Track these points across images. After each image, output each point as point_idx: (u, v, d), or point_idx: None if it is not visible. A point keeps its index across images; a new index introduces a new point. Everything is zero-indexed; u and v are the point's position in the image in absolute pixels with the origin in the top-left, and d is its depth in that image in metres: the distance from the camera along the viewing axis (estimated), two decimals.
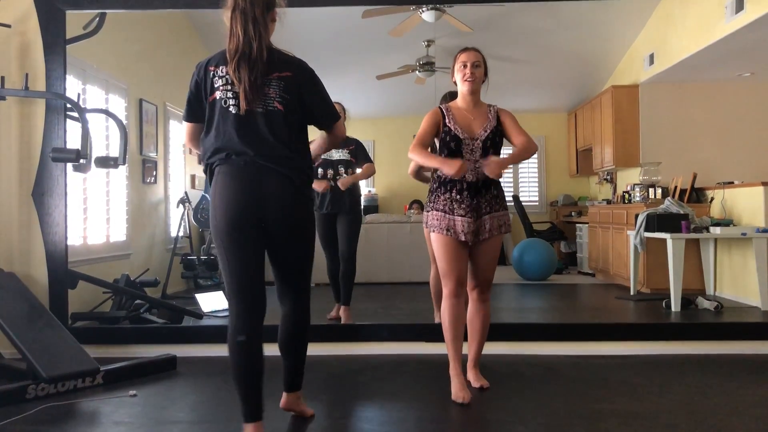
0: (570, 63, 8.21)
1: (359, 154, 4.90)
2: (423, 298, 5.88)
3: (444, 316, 3.19)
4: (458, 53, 3.28)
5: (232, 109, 2.37)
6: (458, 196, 3.15)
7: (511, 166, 3.71)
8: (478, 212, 3.15)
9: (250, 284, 2.40)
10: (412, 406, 3.07)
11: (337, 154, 4.83)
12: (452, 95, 3.59)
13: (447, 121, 3.21)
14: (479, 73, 3.22)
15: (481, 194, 3.16)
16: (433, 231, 3.21)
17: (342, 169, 4.83)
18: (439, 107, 3.30)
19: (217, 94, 2.39)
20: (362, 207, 5.14)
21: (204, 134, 2.46)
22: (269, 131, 2.38)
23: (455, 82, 3.30)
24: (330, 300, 5.06)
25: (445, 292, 3.20)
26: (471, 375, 3.32)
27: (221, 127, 2.39)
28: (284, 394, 2.75)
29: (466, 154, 3.15)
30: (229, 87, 2.38)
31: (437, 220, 3.18)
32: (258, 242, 2.41)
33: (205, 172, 2.51)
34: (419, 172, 4.08)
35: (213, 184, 2.44)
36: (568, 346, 4.00)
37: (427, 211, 3.28)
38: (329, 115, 2.60)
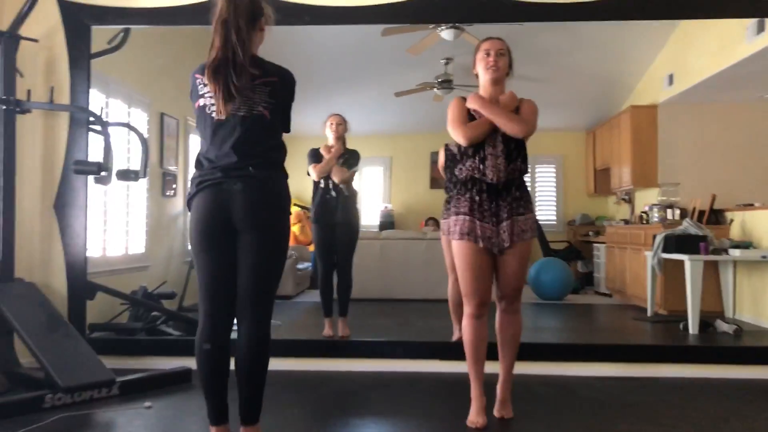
0: (589, 83, 8.21)
1: (349, 161, 4.92)
2: (438, 316, 5.87)
3: (465, 337, 3.01)
4: (480, 42, 3.07)
5: (213, 115, 2.38)
6: (478, 197, 2.93)
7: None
8: (497, 217, 2.92)
9: (217, 291, 2.38)
10: (425, 424, 3.06)
11: (336, 165, 4.86)
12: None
13: (471, 110, 3.01)
14: (503, 62, 3.01)
15: (501, 197, 2.93)
16: (453, 238, 2.99)
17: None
18: (462, 97, 3.08)
19: (201, 101, 2.42)
20: (360, 220, 5.12)
21: (201, 140, 2.48)
22: (246, 137, 2.35)
23: (476, 74, 3.09)
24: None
25: (467, 311, 2.99)
26: (499, 397, 3.09)
27: (207, 133, 2.40)
28: (242, 429, 2.42)
29: (489, 148, 2.94)
30: (211, 94, 2.38)
31: (456, 224, 2.96)
32: (228, 247, 2.36)
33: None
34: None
35: (192, 187, 2.42)
36: (583, 367, 3.97)
37: (445, 218, 3.13)
38: (285, 127, 2.54)
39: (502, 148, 2.94)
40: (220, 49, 2.34)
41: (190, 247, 2.43)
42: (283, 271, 2.48)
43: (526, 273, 3.05)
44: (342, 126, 4.94)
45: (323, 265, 4.94)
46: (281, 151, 2.48)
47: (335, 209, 4.83)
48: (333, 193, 4.85)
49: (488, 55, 3.00)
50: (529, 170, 9.99)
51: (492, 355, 3.11)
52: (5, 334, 3.64)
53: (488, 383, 3.19)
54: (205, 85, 2.39)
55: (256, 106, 2.37)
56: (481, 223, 2.92)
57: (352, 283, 4.93)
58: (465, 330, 3.01)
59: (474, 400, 3.00)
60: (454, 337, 4.48)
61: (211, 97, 2.37)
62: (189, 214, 2.42)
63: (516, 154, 2.97)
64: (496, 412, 3.07)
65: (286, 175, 2.48)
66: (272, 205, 2.39)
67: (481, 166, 2.93)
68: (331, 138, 4.94)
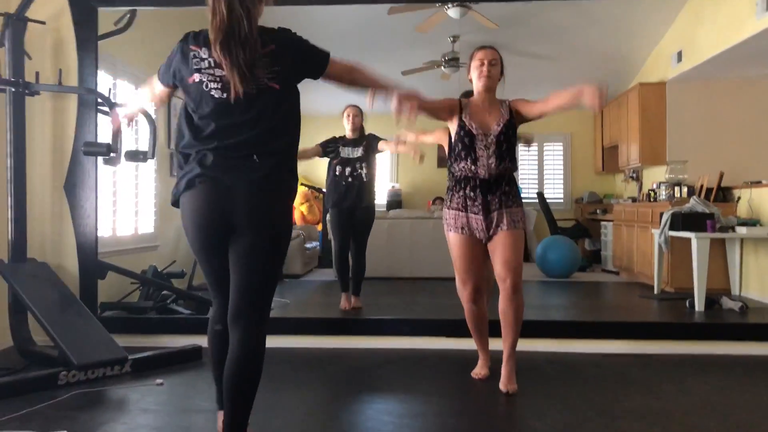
0: (597, 60, 8.15)
1: (373, 143, 5.05)
2: (445, 294, 5.91)
3: (468, 319, 3.38)
4: (475, 51, 3.29)
5: (214, 93, 2.13)
6: (472, 194, 3.20)
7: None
8: (488, 209, 3.17)
9: (224, 282, 2.24)
10: (432, 400, 3.11)
11: (354, 153, 5.03)
12: (468, 95, 3.60)
13: (463, 115, 3.22)
14: (495, 71, 3.23)
15: (492, 191, 3.19)
16: (450, 230, 3.28)
17: (359, 166, 5.00)
18: (459, 99, 3.33)
19: (197, 77, 2.15)
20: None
21: (184, 119, 2.22)
22: (259, 117, 2.13)
23: (471, 80, 3.31)
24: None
25: (464, 297, 3.32)
26: (504, 373, 3.21)
27: (204, 113, 2.15)
28: None
29: (480, 151, 3.17)
30: (212, 71, 2.13)
31: (453, 219, 3.25)
32: (226, 249, 2.19)
33: (181, 155, 2.23)
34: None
35: (184, 179, 2.16)
36: (589, 344, 4.01)
37: (445, 209, 3.33)
38: (323, 55, 2.28)
39: (494, 149, 3.17)
40: (225, 20, 2.09)
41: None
42: (282, 265, 2.33)
43: (520, 257, 3.21)
44: (359, 117, 5.11)
45: (341, 247, 5.15)
46: (293, 134, 2.23)
47: (354, 195, 5.00)
48: (350, 180, 5.00)
49: (482, 64, 3.24)
50: (535, 149, 9.99)
51: (497, 332, 3.32)
52: (19, 313, 3.71)
53: (494, 359, 3.28)
54: (202, 60, 2.14)
55: (260, 80, 2.13)
56: (474, 216, 3.19)
57: (365, 265, 5.21)
58: (466, 314, 3.37)
59: (480, 359, 3.45)
60: None
61: (211, 72, 2.12)
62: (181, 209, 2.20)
63: (506, 154, 3.20)
64: (502, 386, 3.17)
65: (294, 168, 2.25)
66: (277, 204, 2.18)
67: (473, 167, 3.19)
68: (348, 129, 5.11)
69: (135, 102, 2.74)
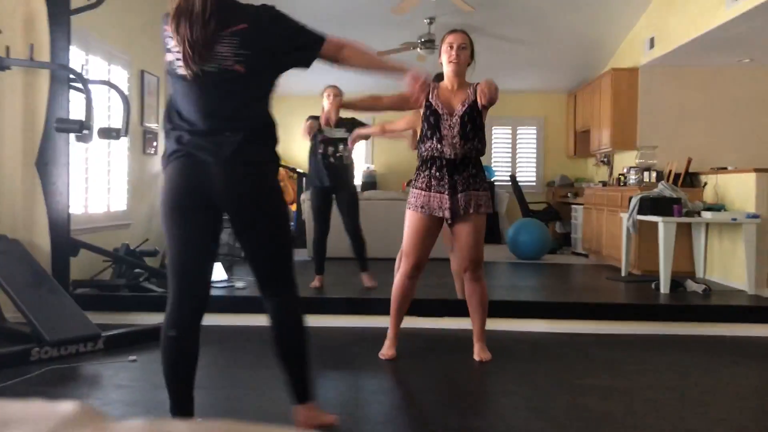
0: (571, 44, 8.23)
1: (355, 127, 5.04)
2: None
3: (394, 291, 3.41)
4: (446, 34, 3.33)
5: (179, 71, 2.07)
6: (437, 173, 3.24)
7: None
8: (453, 189, 3.22)
9: (189, 271, 2.12)
10: (402, 377, 3.19)
11: (337, 133, 5.03)
12: (439, 77, 3.63)
13: (430, 96, 3.27)
14: (465, 55, 3.27)
15: (458, 172, 3.24)
16: (408, 208, 3.34)
17: (341, 147, 4.99)
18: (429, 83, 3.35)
19: (168, 56, 2.10)
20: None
21: (170, 99, 2.19)
22: (226, 96, 2.07)
23: (441, 63, 3.35)
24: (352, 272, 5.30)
25: (402, 270, 3.37)
26: (476, 347, 3.41)
27: (176, 92, 2.12)
28: (297, 408, 2.26)
29: (445, 130, 3.22)
30: (177, 48, 2.05)
31: (414, 198, 3.31)
32: (204, 225, 2.12)
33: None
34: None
35: (163, 157, 2.15)
36: (556, 324, 4.11)
37: (411, 189, 3.38)
38: (313, 42, 2.17)
39: (458, 129, 3.21)
40: None
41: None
42: (290, 231, 2.28)
43: (482, 245, 3.33)
44: (339, 98, 4.97)
45: (319, 229, 5.18)
46: (263, 116, 2.16)
47: (331, 175, 5.01)
48: (331, 160, 5.01)
49: (451, 48, 3.26)
50: (509, 132, 10.01)
51: (460, 313, 3.60)
52: None
53: (457, 339, 3.37)
54: (169, 38, 2.07)
55: (224, 60, 2.03)
56: (439, 194, 3.23)
57: (365, 240, 5.22)
58: (396, 285, 3.40)
59: (388, 339, 3.46)
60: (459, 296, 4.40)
61: (177, 50, 2.05)
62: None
63: (472, 134, 3.25)
64: (476, 356, 3.38)
65: (273, 145, 2.17)
66: (258, 179, 2.12)
67: (439, 146, 3.23)
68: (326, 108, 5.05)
69: None
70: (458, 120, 3.22)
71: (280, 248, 2.21)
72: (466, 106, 3.24)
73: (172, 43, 2.07)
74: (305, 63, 2.20)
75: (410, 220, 3.33)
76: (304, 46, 2.17)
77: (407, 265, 3.34)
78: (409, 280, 3.37)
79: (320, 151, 5.04)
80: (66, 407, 0.44)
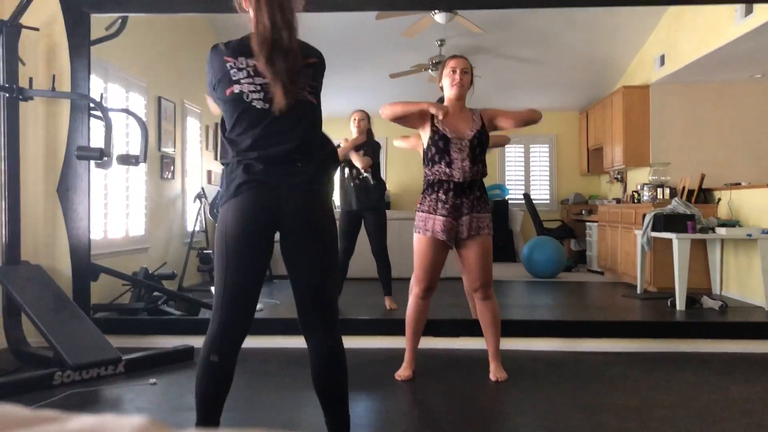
0: (581, 63, 8.29)
1: (368, 152, 5.18)
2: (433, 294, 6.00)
3: (408, 312, 3.47)
4: (447, 59, 3.43)
5: (256, 104, 2.11)
6: (443, 197, 3.30)
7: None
8: (459, 212, 3.29)
9: (243, 300, 2.16)
10: (418, 397, 3.21)
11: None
12: (441, 100, 3.68)
13: (435, 121, 3.33)
14: (466, 79, 3.37)
15: (465, 194, 3.31)
16: (416, 232, 3.40)
17: (364, 169, 5.11)
18: (435, 104, 3.40)
19: (236, 88, 2.12)
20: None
21: (229, 131, 2.19)
22: (298, 125, 2.14)
23: (442, 87, 3.44)
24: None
25: (414, 292, 3.43)
26: (492, 367, 3.45)
27: (244, 124, 2.13)
28: None
29: (454, 153, 3.28)
30: (251, 80, 2.11)
31: (421, 221, 3.37)
32: (266, 254, 2.17)
33: (225, 167, 2.20)
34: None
35: (231, 187, 2.13)
36: (571, 343, 4.12)
37: (417, 212, 3.43)
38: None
39: (467, 152, 3.28)
40: (269, 29, 2.08)
41: (214, 252, 2.16)
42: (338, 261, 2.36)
43: (490, 266, 3.39)
44: (364, 121, 5.25)
45: (343, 249, 5.22)
46: (329, 143, 2.28)
47: (358, 197, 5.14)
48: (357, 181, 5.14)
49: (454, 72, 3.36)
50: (522, 150, 10.08)
51: (475, 333, 3.62)
52: (14, 315, 3.78)
53: (481, 358, 3.40)
54: (240, 70, 2.11)
55: (301, 91, 2.15)
56: (444, 218, 3.29)
57: (390, 264, 5.31)
58: (410, 307, 3.46)
59: (405, 361, 3.49)
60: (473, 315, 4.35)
61: (250, 83, 2.11)
62: (222, 214, 2.13)
63: (479, 158, 3.34)
64: (492, 376, 3.40)
65: (332, 176, 2.31)
66: (322, 205, 2.18)
67: (448, 170, 3.29)
68: (355, 133, 5.23)
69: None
70: (468, 144, 3.30)
71: (334, 279, 2.25)
72: (475, 131, 3.33)
73: (241, 75, 2.12)
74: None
75: (418, 244, 3.39)
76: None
77: (419, 289, 3.41)
78: (423, 300, 3.43)
79: (345, 174, 5.20)
80: (136, 421, 0.50)
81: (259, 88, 2.11)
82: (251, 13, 2.13)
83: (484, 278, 3.37)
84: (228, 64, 2.13)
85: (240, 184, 2.10)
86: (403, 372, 3.45)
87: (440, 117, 3.17)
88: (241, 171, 2.10)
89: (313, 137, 2.19)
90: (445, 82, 3.39)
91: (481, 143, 3.33)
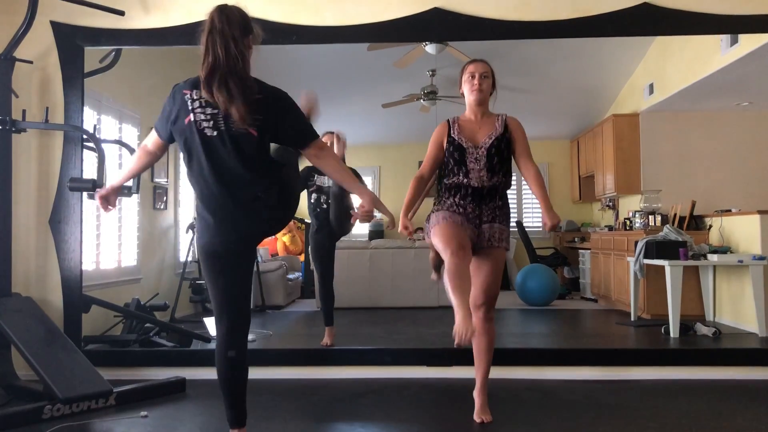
0: (572, 92, 8.38)
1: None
2: (426, 323, 6.00)
3: (450, 275, 2.85)
4: (466, 64, 3.24)
5: (207, 131, 2.35)
6: (462, 201, 3.11)
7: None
8: (479, 219, 3.10)
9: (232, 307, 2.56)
10: (412, 429, 3.18)
11: (328, 182, 4.95)
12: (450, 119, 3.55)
13: (451, 131, 3.19)
14: (487, 84, 3.19)
15: (485, 202, 3.12)
16: (435, 225, 3.06)
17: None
18: (447, 119, 3.27)
19: (191, 117, 2.35)
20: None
21: (186, 161, 2.46)
22: (239, 155, 2.36)
23: (462, 94, 3.26)
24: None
25: (447, 254, 2.88)
26: (477, 404, 3.21)
27: (195, 151, 2.39)
28: None
29: (471, 163, 3.10)
30: (203, 110, 2.35)
31: (439, 215, 3.08)
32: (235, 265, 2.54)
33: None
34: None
35: (197, 212, 2.55)
36: (566, 371, 4.10)
37: (432, 214, 3.16)
38: (304, 134, 2.50)
39: (484, 162, 3.11)
40: (223, 60, 2.29)
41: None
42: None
43: (499, 282, 3.19)
44: (342, 141, 4.93)
45: (320, 273, 5.09)
46: (266, 164, 2.45)
47: (328, 221, 4.96)
48: (324, 206, 5.00)
49: (473, 77, 3.18)
50: (514, 178, 10.13)
51: (469, 361, 3.33)
52: (3, 347, 3.73)
53: (467, 389, 3.34)
54: (195, 100, 2.34)
55: (244, 122, 2.32)
56: (462, 219, 3.07)
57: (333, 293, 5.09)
58: (449, 269, 2.86)
59: (460, 315, 2.77)
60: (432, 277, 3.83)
61: (202, 112, 2.33)
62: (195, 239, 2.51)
63: (498, 167, 3.14)
64: (476, 417, 3.17)
65: (269, 187, 2.48)
66: (260, 218, 2.49)
67: (465, 180, 3.11)
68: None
69: (111, 181, 2.81)
70: (484, 152, 3.11)
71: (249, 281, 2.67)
72: (493, 138, 3.14)
73: (196, 104, 2.35)
74: (299, 144, 2.54)
75: (439, 224, 3.02)
76: (301, 132, 2.50)
77: (450, 248, 2.87)
78: (458, 258, 2.85)
79: (312, 200, 5.02)
80: None
81: (209, 117, 2.35)
82: (203, 46, 2.36)
83: (493, 293, 3.15)
84: (185, 96, 2.39)
85: (201, 209, 2.54)
86: (464, 326, 2.72)
87: (391, 228, 3.01)
88: (198, 196, 2.56)
89: (254, 166, 2.40)
90: (465, 88, 3.21)
91: (500, 151, 3.13)
